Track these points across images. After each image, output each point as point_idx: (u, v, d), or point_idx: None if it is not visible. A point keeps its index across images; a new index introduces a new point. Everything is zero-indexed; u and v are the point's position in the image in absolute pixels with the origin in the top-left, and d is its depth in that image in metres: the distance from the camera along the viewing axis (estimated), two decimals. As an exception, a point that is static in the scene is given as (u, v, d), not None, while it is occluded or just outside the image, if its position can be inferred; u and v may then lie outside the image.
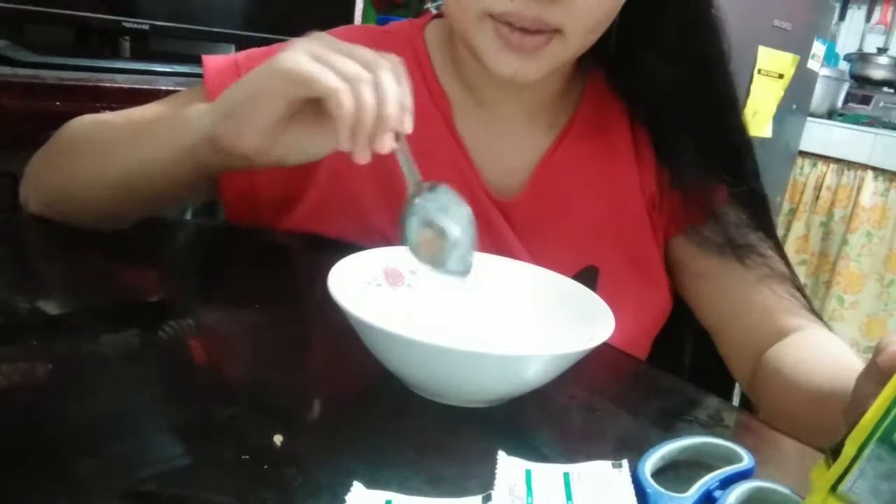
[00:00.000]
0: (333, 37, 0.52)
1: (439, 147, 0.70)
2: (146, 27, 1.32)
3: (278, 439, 0.39)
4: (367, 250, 0.54)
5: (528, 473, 0.39)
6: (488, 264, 0.58)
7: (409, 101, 0.50)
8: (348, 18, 1.60)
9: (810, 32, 2.37)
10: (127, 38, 1.35)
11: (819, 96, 2.69)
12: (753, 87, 2.23)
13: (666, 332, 0.77)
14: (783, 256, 0.72)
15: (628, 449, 0.42)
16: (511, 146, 0.72)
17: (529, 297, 0.56)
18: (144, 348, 0.50)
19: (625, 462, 0.40)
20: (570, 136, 0.72)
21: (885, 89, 2.86)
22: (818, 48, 2.43)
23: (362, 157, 0.49)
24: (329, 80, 0.48)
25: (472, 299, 0.56)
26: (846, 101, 2.89)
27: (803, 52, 2.36)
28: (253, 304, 0.59)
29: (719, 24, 0.68)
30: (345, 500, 0.35)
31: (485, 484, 0.38)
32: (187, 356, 0.51)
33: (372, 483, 0.36)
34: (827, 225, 2.71)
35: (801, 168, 2.74)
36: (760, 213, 0.73)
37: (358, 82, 0.48)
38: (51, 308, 0.55)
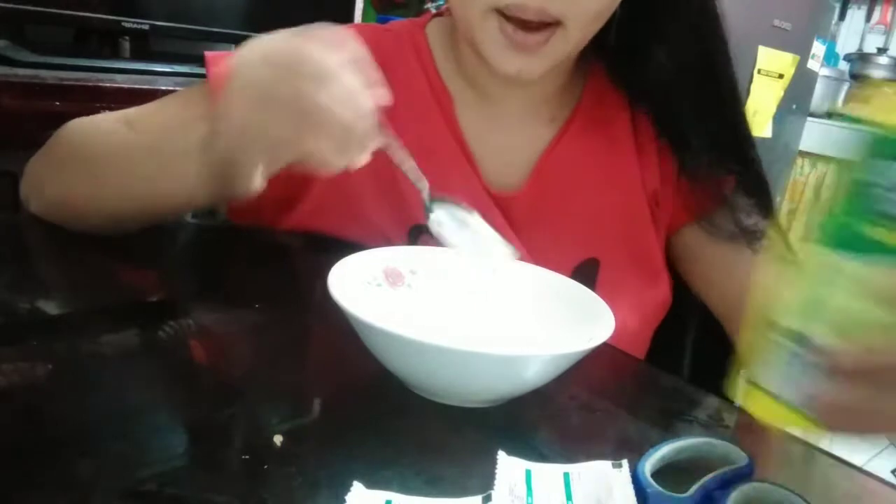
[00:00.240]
0: (320, 37, 0.52)
1: (440, 142, 0.70)
2: (146, 27, 1.31)
3: (278, 439, 0.39)
4: (367, 250, 0.54)
5: (528, 473, 0.39)
6: (488, 264, 0.58)
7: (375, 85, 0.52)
8: (348, 18, 1.60)
9: (810, 32, 2.37)
10: (127, 38, 1.35)
11: (819, 96, 2.69)
12: (753, 87, 2.22)
13: (666, 331, 0.77)
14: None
15: (628, 449, 0.42)
16: (513, 141, 0.72)
17: (529, 297, 0.56)
18: (144, 348, 0.50)
19: (625, 462, 0.40)
20: (572, 130, 0.73)
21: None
22: (818, 48, 2.43)
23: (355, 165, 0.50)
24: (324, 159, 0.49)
25: (472, 299, 0.56)
26: (846, 101, 2.89)
27: (803, 52, 2.36)
28: (253, 304, 0.59)
29: (720, 12, 0.69)
30: (345, 500, 0.35)
31: (485, 484, 0.38)
32: (187, 356, 0.51)
33: (372, 483, 0.36)
34: (827, 225, 2.70)
35: (801, 168, 2.74)
36: (765, 200, 0.74)
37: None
38: (51, 308, 0.55)
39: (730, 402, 0.54)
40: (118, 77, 1.20)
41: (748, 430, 0.54)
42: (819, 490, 0.46)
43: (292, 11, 1.46)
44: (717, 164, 0.71)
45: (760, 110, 2.30)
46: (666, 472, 0.41)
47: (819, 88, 2.65)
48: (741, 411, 0.56)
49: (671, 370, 0.58)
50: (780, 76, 2.31)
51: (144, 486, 0.35)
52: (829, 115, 2.81)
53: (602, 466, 0.40)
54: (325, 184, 0.70)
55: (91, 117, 0.68)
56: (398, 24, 0.77)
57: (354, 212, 0.70)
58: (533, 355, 0.44)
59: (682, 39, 0.68)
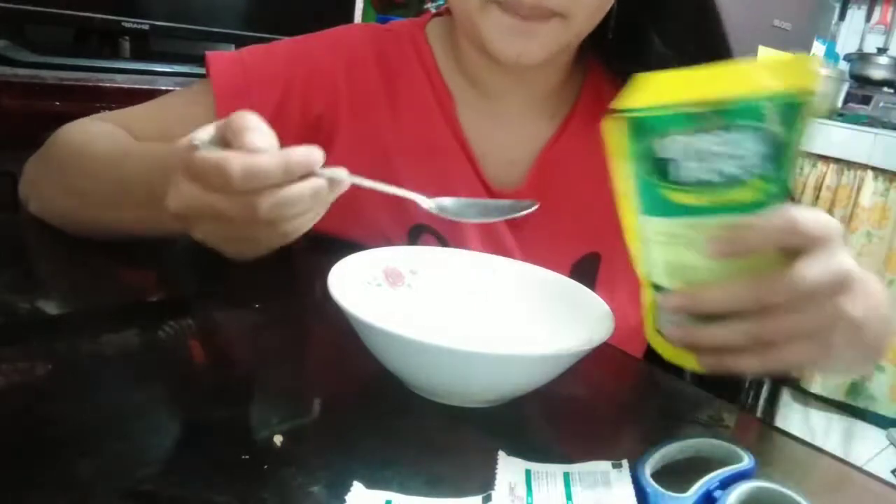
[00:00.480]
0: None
1: (441, 141, 0.71)
2: (146, 27, 1.32)
3: (278, 439, 0.39)
4: (367, 250, 0.54)
5: (528, 473, 0.39)
6: (488, 264, 0.58)
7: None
8: (348, 18, 1.60)
9: (810, 32, 2.37)
10: (127, 38, 1.35)
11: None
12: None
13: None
14: None
15: (628, 449, 0.42)
16: (513, 138, 0.72)
17: (530, 297, 0.56)
18: (144, 348, 0.50)
19: (625, 462, 0.40)
20: (571, 126, 0.73)
21: (885, 89, 2.86)
22: (818, 48, 2.43)
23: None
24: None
25: (473, 299, 0.56)
26: (846, 101, 2.89)
27: (803, 52, 2.36)
28: (253, 304, 0.59)
29: (718, 5, 0.69)
30: (345, 500, 0.35)
31: (485, 484, 0.38)
32: (187, 356, 0.51)
33: (372, 483, 0.36)
34: (827, 225, 2.71)
35: (801, 168, 2.74)
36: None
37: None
38: (51, 308, 0.55)
39: (729, 402, 0.54)
40: (118, 77, 1.20)
41: (748, 430, 0.54)
42: (819, 490, 0.45)
43: (292, 12, 1.46)
44: None
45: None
46: (666, 472, 0.41)
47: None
48: (741, 411, 0.57)
49: (672, 367, 0.58)
50: (780, 76, 2.31)
51: (144, 486, 0.35)
52: (829, 115, 2.81)
53: (602, 466, 0.40)
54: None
55: (91, 123, 0.68)
56: (398, 24, 0.77)
57: (354, 212, 0.70)
58: (533, 355, 0.44)
59: (680, 30, 0.68)
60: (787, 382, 0.77)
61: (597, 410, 0.50)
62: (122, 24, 1.29)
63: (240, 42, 1.44)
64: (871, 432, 2.55)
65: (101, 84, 1.16)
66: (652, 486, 0.38)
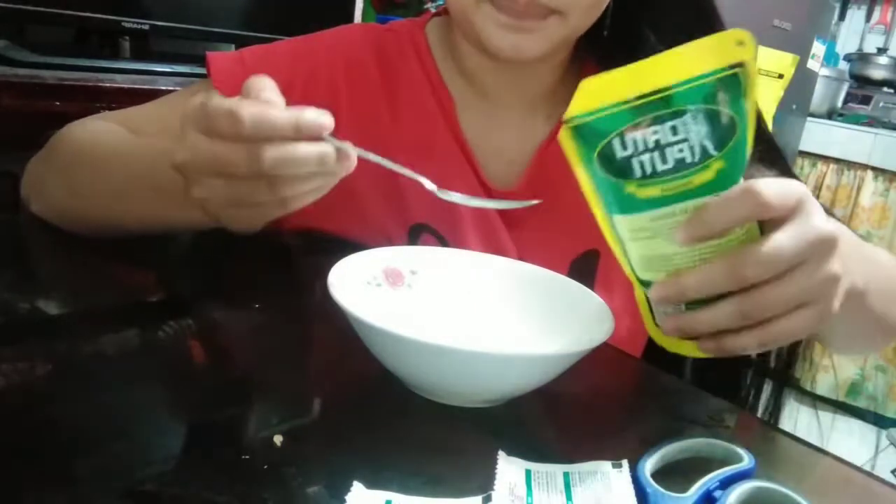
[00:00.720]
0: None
1: (440, 141, 0.71)
2: (146, 27, 1.32)
3: (278, 439, 0.39)
4: (367, 250, 0.54)
5: (528, 473, 0.39)
6: (488, 264, 0.58)
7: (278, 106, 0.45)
8: (348, 18, 1.60)
9: (810, 32, 2.37)
10: (127, 38, 1.35)
11: (819, 96, 2.69)
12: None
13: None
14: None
15: (628, 449, 0.42)
16: (511, 138, 0.73)
17: (530, 297, 0.56)
18: (144, 348, 0.50)
19: (625, 462, 0.40)
20: None
21: (885, 89, 2.86)
22: (818, 48, 2.43)
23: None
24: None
25: (472, 299, 0.56)
26: (846, 101, 2.89)
27: (803, 52, 2.36)
28: (253, 304, 0.59)
29: (715, 3, 0.69)
30: (345, 500, 0.35)
31: (485, 484, 0.38)
32: (187, 356, 0.51)
33: (372, 483, 0.36)
34: (827, 225, 2.70)
35: (801, 168, 2.74)
36: (785, 168, 0.74)
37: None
38: (51, 308, 0.55)
39: (729, 402, 0.54)
40: (118, 77, 1.20)
41: (748, 430, 0.54)
42: (819, 490, 0.45)
43: (292, 12, 1.46)
44: None
45: (760, 111, 2.30)
46: (666, 472, 0.41)
47: (819, 89, 2.65)
48: (741, 411, 0.57)
49: (672, 367, 0.58)
50: (780, 76, 2.31)
51: (144, 486, 0.35)
52: (829, 115, 2.81)
53: (602, 466, 0.40)
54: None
55: (94, 122, 0.68)
56: (398, 23, 0.77)
57: (355, 211, 0.70)
58: (533, 355, 0.44)
59: (675, 27, 0.68)
60: (788, 383, 0.77)
61: (597, 410, 0.50)
62: (122, 24, 1.29)
63: (240, 42, 1.44)
64: (871, 432, 2.56)
65: (101, 84, 1.16)
66: (652, 486, 0.38)
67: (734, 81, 0.37)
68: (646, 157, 0.38)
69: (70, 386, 0.43)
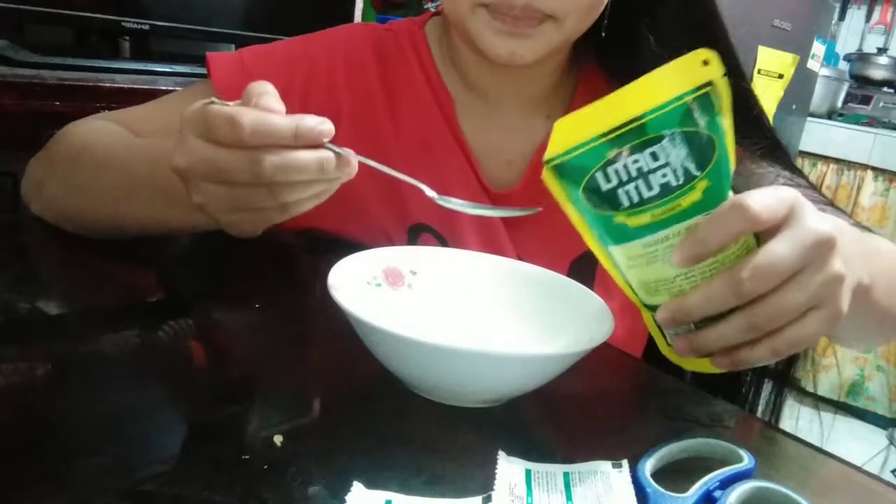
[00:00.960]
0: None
1: (440, 142, 0.71)
2: (146, 27, 1.32)
3: (278, 439, 0.39)
4: (367, 250, 0.54)
5: (528, 473, 0.39)
6: (488, 264, 0.58)
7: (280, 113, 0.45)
8: (348, 18, 1.60)
9: (810, 32, 2.37)
10: (127, 38, 1.35)
11: (819, 96, 2.69)
12: (753, 88, 2.22)
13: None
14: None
15: (628, 449, 0.42)
16: (510, 139, 0.72)
17: (530, 297, 0.56)
18: (144, 348, 0.50)
19: (625, 462, 0.40)
20: None
21: (885, 89, 2.86)
22: (818, 48, 2.43)
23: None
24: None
25: (472, 299, 0.56)
26: (846, 101, 2.89)
27: (803, 52, 2.36)
28: (253, 304, 0.59)
29: (716, 4, 0.69)
30: (345, 500, 0.35)
31: (485, 484, 0.38)
32: (187, 356, 0.51)
33: (372, 483, 0.36)
34: (827, 225, 2.70)
35: (801, 168, 2.74)
36: (788, 165, 0.74)
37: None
38: (51, 308, 0.55)
39: (729, 402, 0.54)
40: (118, 77, 1.20)
41: (748, 430, 0.54)
42: (819, 490, 0.46)
43: (292, 11, 1.46)
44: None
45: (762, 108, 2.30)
46: (666, 472, 0.41)
47: (819, 88, 2.65)
48: (741, 411, 0.57)
49: (672, 367, 0.58)
50: (780, 76, 2.31)
51: (144, 486, 0.35)
52: (829, 114, 2.81)
53: (602, 466, 0.40)
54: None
55: (94, 121, 0.68)
56: (398, 23, 0.77)
57: (355, 211, 0.70)
58: (533, 355, 0.44)
59: (674, 28, 0.68)
60: (788, 383, 0.76)
61: (597, 410, 0.50)
62: (122, 24, 1.29)
63: (240, 42, 1.44)
64: (871, 432, 2.56)
65: (101, 84, 1.16)
66: (652, 486, 0.38)
67: (706, 101, 0.37)
68: (631, 187, 0.39)
69: (70, 386, 0.43)
